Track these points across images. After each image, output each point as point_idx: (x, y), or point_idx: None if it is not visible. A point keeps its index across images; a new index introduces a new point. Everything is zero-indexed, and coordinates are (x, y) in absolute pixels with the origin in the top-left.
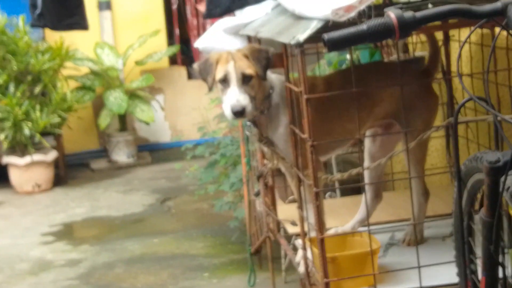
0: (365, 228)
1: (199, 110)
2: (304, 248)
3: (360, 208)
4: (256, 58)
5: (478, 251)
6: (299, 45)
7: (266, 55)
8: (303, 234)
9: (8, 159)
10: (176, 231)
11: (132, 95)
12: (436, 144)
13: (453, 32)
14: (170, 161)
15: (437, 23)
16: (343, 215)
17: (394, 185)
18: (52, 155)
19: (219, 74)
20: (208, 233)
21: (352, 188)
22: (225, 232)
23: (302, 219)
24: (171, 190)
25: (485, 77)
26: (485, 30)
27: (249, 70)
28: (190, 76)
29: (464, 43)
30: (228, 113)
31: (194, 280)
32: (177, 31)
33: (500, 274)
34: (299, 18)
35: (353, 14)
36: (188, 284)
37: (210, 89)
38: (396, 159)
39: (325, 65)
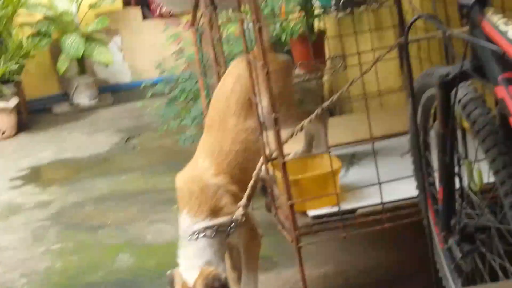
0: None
1: (157, 48)
2: (268, 173)
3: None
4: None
5: (435, 165)
6: None
7: (219, 283)
8: (265, 160)
9: None
10: (143, 168)
11: (89, 38)
12: (390, 67)
13: None
14: (131, 101)
15: None
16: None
17: (352, 108)
18: (13, 101)
19: None
20: (174, 167)
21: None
22: None
23: (264, 145)
24: (135, 129)
25: None
26: None
27: None
28: (145, 16)
29: None
30: None
31: (163, 213)
32: None
33: (457, 185)
34: None
35: None
36: (157, 217)
37: None
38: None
39: None
